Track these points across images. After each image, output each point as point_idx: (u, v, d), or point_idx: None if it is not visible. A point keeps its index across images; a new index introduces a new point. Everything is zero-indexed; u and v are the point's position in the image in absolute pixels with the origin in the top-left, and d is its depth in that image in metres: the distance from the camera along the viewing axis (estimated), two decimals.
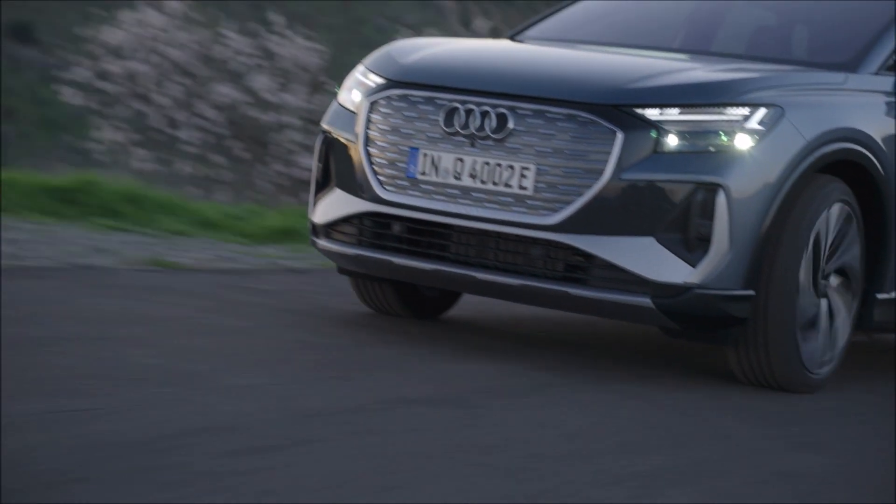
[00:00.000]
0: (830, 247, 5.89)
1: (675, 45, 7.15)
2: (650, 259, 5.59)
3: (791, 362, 5.79)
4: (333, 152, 6.30)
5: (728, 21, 7.40)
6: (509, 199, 5.76)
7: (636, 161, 5.59)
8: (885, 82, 6.29)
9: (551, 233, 5.66)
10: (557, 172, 5.67)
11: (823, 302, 5.92)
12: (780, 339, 5.73)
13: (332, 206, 6.26)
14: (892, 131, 6.13)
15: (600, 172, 5.60)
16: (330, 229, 6.28)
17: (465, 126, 5.84)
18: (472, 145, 5.84)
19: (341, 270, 6.53)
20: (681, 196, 5.57)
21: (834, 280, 5.95)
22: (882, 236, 6.13)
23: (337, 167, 6.26)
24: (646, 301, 5.61)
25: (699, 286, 5.57)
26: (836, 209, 5.87)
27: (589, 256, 5.65)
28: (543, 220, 5.67)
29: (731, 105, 5.65)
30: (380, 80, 6.20)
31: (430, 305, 6.80)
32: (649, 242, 5.59)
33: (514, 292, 5.81)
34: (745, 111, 5.64)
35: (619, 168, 5.58)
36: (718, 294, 5.59)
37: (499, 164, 5.78)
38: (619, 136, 5.60)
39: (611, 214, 5.60)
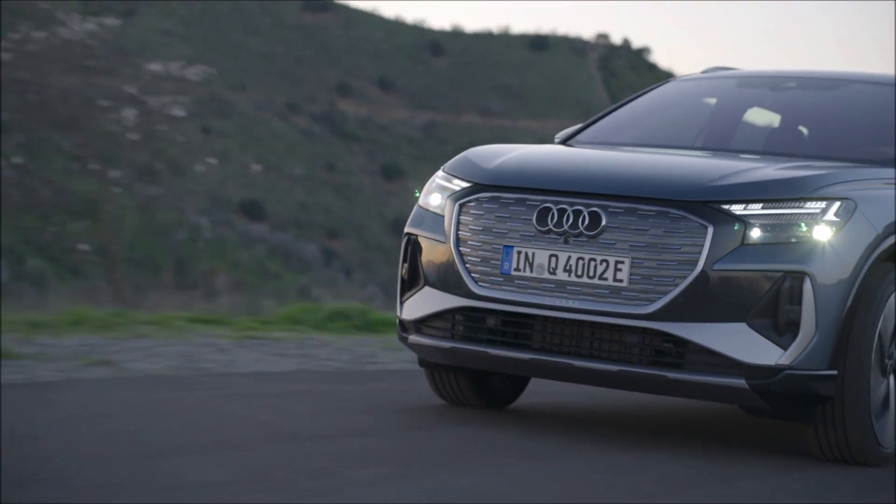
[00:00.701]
0: (894, 330, 6.34)
1: (698, 144, 7.67)
2: (743, 343, 6.00)
3: (867, 438, 6.20)
4: (421, 253, 6.66)
5: (742, 123, 7.92)
6: (605, 292, 6.15)
7: (726, 253, 6.01)
8: None
9: (648, 321, 6.06)
10: (651, 265, 6.07)
11: (891, 379, 6.36)
12: (857, 417, 6.15)
13: (423, 302, 6.61)
14: None
15: (694, 263, 6.01)
16: (421, 325, 6.63)
17: (559, 224, 6.24)
18: (566, 242, 6.23)
19: (423, 363, 6.87)
20: (769, 284, 5.99)
21: None
22: None
23: (426, 267, 6.62)
24: (740, 382, 6.01)
25: (790, 367, 5.98)
26: None
27: (685, 342, 6.05)
28: (640, 310, 6.07)
29: (810, 199, 6.11)
30: (465, 184, 6.59)
31: (500, 395, 7.16)
32: (742, 328, 6.00)
33: (612, 378, 6.18)
34: (822, 204, 6.11)
35: (711, 259, 6.00)
36: (807, 374, 6.01)
37: (592, 259, 6.17)
38: (710, 230, 6.03)
39: (704, 303, 6.01)
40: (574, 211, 6.24)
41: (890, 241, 6.28)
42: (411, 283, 6.72)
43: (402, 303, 6.77)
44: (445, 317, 6.54)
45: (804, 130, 7.70)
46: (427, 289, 6.61)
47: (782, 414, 6.22)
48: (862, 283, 6.14)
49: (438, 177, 6.81)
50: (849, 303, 6.09)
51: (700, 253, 6.02)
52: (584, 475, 5.64)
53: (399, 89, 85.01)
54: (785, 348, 5.99)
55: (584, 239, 6.21)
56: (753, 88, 7.96)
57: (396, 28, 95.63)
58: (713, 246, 6.02)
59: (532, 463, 5.80)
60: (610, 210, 6.20)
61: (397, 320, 6.81)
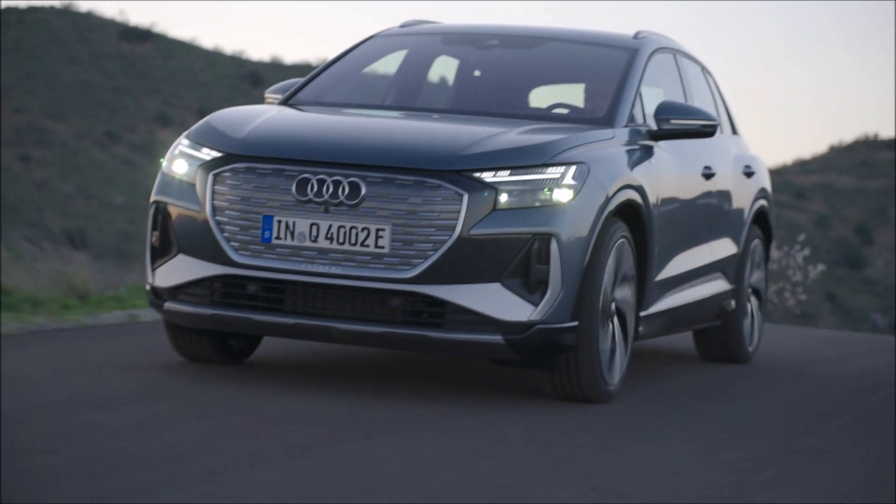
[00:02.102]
0: (614, 279, 6.98)
1: (388, 102, 8.14)
2: (499, 302, 6.48)
3: (597, 380, 6.84)
4: (171, 221, 6.79)
5: (428, 80, 8.41)
6: (367, 258, 6.49)
7: (480, 218, 6.46)
8: (633, 134, 7.47)
9: (410, 284, 6.45)
10: (412, 232, 6.45)
11: (615, 323, 7.01)
12: (590, 361, 6.77)
13: (178, 270, 6.76)
14: (648, 174, 7.32)
15: (452, 229, 6.43)
16: (177, 292, 6.78)
17: (319, 194, 6.51)
18: (327, 211, 6.51)
19: (168, 324, 7.04)
20: (520, 246, 6.49)
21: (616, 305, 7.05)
22: (644, 263, 7.31)
23: (179, 235, 6.76)
24: (497, 339, 6.50)
25: (541, 322, 6.52)
26: (620, 246, 6.97)
27: (444, 303, 6.47)
28: (402, 275, 6.45)
29: (551, 165, 6.63)
30: (217, 154, 6.75)
31: (237, 352, 7.40)
32: (497, 288, 6.48)
33: (376, 338, 6.55)
34: (562, 169, 6.64)
35: (467, 225, 6.44)
36: (555, 328, 6.56)
37: (353, 227, 6.49)
38: (465, 198, 6.45)
39: (462, 265, 6.45)
40: (334, 181, 6.53)
41: (618, 198, 6.88)
42: (163, 250, 6.85)
43: (153, 270, 6.89)
44: (204, 284, 6.73)
45: (477, 74, 8.22)
46: (182, 256, 6.76)
47: (529, 363, 6.76)
48: (596, 240, 6.72)
49: (183, 144, 6.94)
50: (587, 259, 6.67)
51: (457, 219, 6.44)
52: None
53: None
54: (536, 305, 6.51)
55: (345, 208, 6.51)
56: (454, 45, 8.41)
57: (216, 59, 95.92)
58: (468, 212, 6.45)
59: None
60: (369, 180, 6.53)
61: (148, 287, 6.93)
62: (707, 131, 7.68)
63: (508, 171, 6.56)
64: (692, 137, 7.72)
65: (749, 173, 9.17)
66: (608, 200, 6.81)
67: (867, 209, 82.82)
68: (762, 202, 9.38)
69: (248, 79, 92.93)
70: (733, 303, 8.92)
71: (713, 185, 8.43)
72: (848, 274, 72.16)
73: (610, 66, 7.92)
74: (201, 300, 6.75)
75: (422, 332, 6.51)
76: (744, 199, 9.04)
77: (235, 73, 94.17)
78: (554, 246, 6.51)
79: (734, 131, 9.44)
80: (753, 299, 9.33)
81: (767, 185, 9.58)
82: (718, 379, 8.54)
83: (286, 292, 6.63)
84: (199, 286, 6.74)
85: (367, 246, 6.49)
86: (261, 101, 8.17)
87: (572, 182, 6.63)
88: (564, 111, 7.87)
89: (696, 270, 8.20)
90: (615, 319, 7.03)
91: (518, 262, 6.49)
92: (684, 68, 8.66)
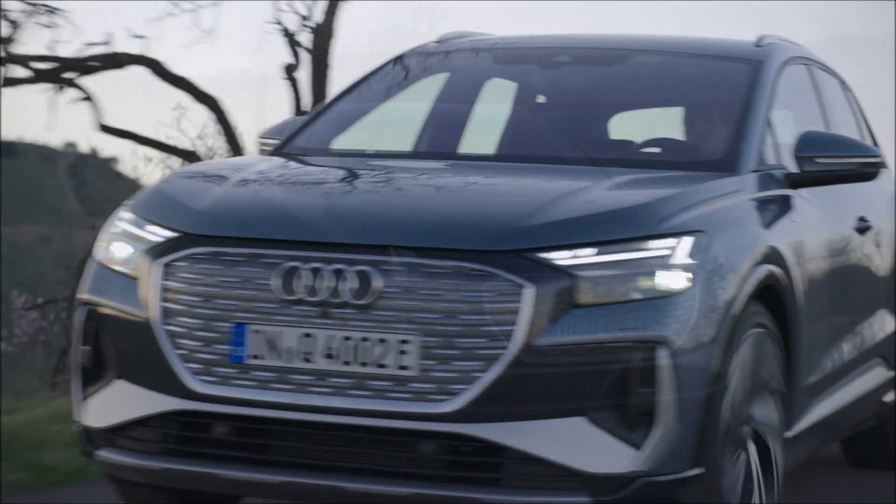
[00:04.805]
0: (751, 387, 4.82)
1: (422, 146, 5.98)
2: (582, 445, 4.33)
3: None
4: (108, 331, 4.69)
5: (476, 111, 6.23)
6: (386, 384, 4.36)
7: (552, 321, 4.31)
8: (765, 181, 5.30)
9: (449, 423, 4.31)
10: (449, 344, 4.32)
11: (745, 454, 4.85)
12: None
13: (116, 403, 4.66)
14: (790, 237, 5.16)
15: (508, 338, 4.29)
16: (115, 435, 4.68)
17: (313, 291, 4.41)
18: (325, 315, 4.40)
19: (117, 480, 4.93)
20: (613, 360, 4.33)
21: None
22: (791, 364, 5.15)
23: (117, 351, 4.66)
24: (583, 500, 4.34)
25: (647, 473, 4.35)
26: (758, 341, 4.81)
27: (501, 450, 4.32)
28: (437, 409, 4.31)
29: (656, 236, 4.48)
30: (169, 234, 4.66)
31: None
32: (579, 424, 4.33)
33: (403, 503, 4.41)
34: (672, 242, 4.48)
35: (532, 332, 4.29)
36: (670, 480, 4.39)
37: (365, 339, 4.37)
38: (528, 291, 4.31)
39: (525, 393, 4.30)
40: (334, 271, 4.41)
41: (753, 278, 4.72)
42: (96, 374, 4.74)
43: (83, 401, 4.79)
44: (152, 425, 4.61)
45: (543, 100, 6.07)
46: (121, 384, 4.66)
47: None
48: (727, 344, 4.56)
49: (125, 219, 4.85)
50: (715, 372, 4.50)
51: (515, 323, 4.30)
52: None
53: None
54: (638, 447, 4.35)
55: (352, 311, 4.39)
56: (510, 65, 6.24)
57: None
58: (535, 312, 4.30)
59: None
60: (385, 268, 4.40)
61: (78, 427, 4.83)
62: (868, 172, 5.50)
63: (593, 249, 4.41)
64: (848, 181, 5.54)
65: None
66: (742, 283, 4.64)
67: None
68: None
69: None
70: (894, 394, 6.69)
71: (869, 241, 6.23)
72: None
73: (725, 83, 5.75)
74: (148, 448, 4.62)
75: (470, 493, 4.35)
76: None
77: None
78: (664, 358, 4.35)
79: (883, 164, 7.20)
80: None
81: None
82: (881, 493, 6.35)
83: (269, 436, 4.50)
84: (144, 427, 4.61)
85: (386, 366, 4.36)
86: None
87: (688, 261, 4.48)
88: (656, 150, 5.69)
89: (852, 361, 6.00)
90: (751, 448, 4.86)
91: (611, 385, 4.33)
92: (822, 85, 6.46)
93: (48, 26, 11.42)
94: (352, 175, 5.19)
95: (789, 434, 5.18)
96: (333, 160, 5.55)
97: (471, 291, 4.32)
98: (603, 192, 4.72)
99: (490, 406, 4.29)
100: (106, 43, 11.88)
